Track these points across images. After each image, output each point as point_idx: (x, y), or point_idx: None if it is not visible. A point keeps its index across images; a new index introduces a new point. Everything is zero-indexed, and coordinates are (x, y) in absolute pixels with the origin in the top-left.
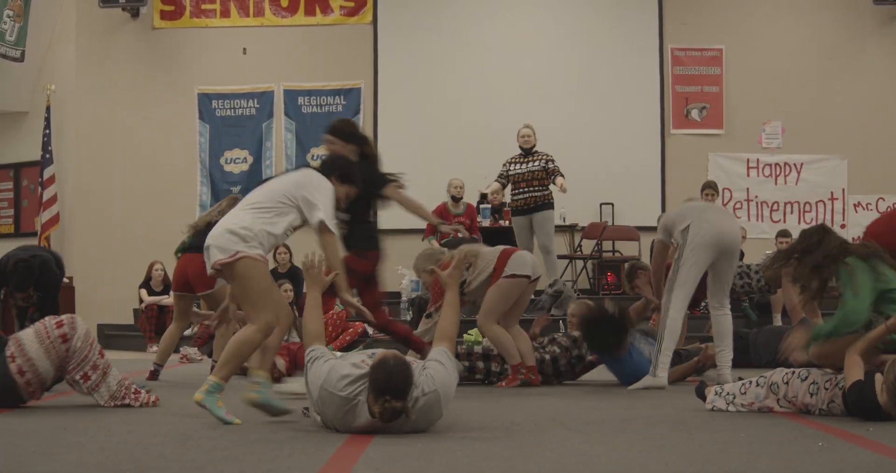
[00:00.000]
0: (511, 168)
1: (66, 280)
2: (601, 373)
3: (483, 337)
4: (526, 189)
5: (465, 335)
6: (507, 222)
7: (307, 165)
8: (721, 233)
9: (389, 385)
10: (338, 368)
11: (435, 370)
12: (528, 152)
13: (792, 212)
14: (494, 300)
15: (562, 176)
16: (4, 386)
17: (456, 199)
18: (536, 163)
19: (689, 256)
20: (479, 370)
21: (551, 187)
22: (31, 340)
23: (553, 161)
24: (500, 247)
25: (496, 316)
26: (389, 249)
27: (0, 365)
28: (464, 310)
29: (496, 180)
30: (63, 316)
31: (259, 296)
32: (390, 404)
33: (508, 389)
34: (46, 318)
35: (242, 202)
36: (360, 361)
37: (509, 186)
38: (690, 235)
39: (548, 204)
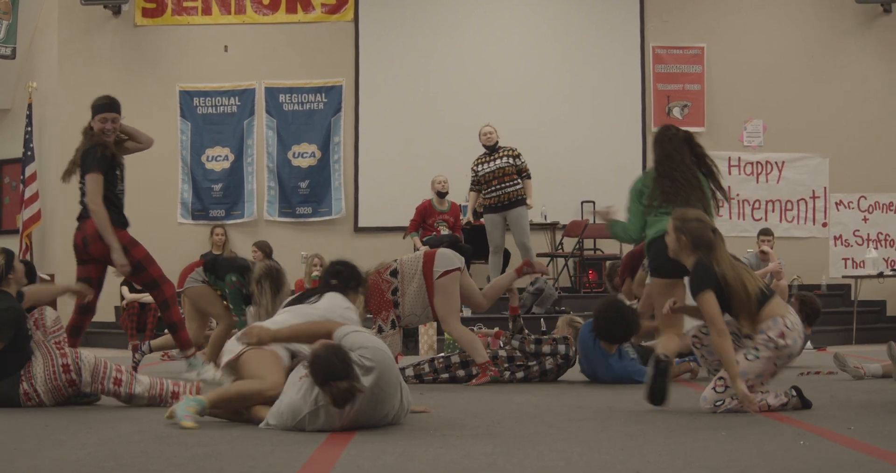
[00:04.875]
0: (480, 169)
1: (47, 277)
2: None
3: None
4: (498, 186)
5: (445, 335)
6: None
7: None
8: None
9: (329, 370)
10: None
11: (353, 340)
12: (492, 149)
13: (773, 211)
14: (445, 302)
15: (528, 177)
16: (9, 402)
17: (441, 195)
18: (504, 159)
19: None
20: (461, 378)
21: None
22: (41, 378)
23: (520, 157)
24: (419, 252)
25: (456, 316)
26: (370, 247)
27: (11, 388)
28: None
29: (472, 189)
30: (69, 359)
31: None
32: (337, 387)
33: (487, 386)
34: (55, 358)
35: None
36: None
37: (480, 186)
38: None
39: (521, 200)
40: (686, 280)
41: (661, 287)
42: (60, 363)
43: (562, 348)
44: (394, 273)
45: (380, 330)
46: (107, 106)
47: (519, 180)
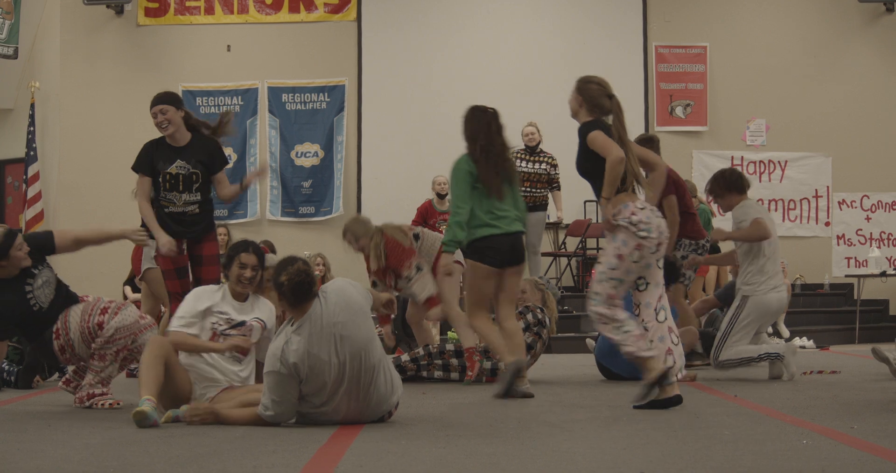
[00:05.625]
0: (519, 166)
1: None
2: (583, 367)
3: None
4: (530, 188)
5: (448, 333)
6: None
7: None
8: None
9: (285, 262)
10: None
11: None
12: (532, 150)
13: (776, 210)
14: (450, 285)
15: (559, 188)
16: (45, 355)
17: (441, 196)
18: (543, 165)
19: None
20: (454, 367)
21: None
22: (75, 320)
23: (557, 167)
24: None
25: (457, 298)
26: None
27: (46, 340)
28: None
29: None
30: (113, 303)
31: None
32: (292, 268)
33: (491, 386)
34: (100, 299)
35: None
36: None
37: None
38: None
39: (543, 205)
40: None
41: (482, 272)
42: (101, 306)
43: (530, 317)
44: (416, 236)
45: (408, 280)
46: (155, 99)
47: (547, 187)
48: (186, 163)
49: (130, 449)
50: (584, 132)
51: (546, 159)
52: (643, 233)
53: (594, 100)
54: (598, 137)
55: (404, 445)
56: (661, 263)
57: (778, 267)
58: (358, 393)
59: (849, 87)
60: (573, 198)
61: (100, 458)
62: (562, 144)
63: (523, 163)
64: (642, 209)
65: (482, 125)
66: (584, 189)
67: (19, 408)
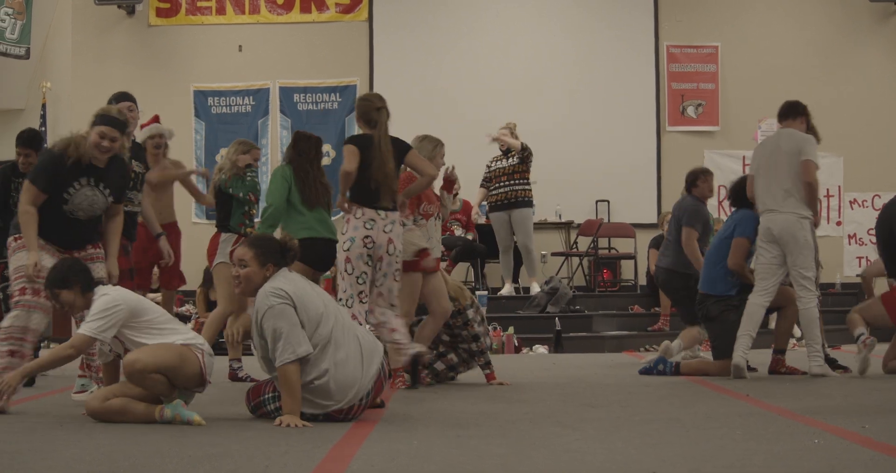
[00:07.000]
0: (493, 165)
1: None
2: (592, 367)
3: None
4: (507, 182)
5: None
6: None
7: None
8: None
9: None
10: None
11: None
12: (506, 152)
13: None
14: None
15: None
16: None
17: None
18: (516, 157)
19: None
20: (444, 342)
21: (530, 182)
22: None
23: (526, 150)
24: None
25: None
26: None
27: None
28: None
29: (482, 185)
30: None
31: None
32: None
33: (504, 387)
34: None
35: None
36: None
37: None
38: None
39: (527, 201)
40: None
41: (300, 270)
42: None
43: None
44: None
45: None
46: (124, 95)
47: (528, 181)
48: (141, 162)
49: (142, 449)
50: (346, 142)
51: (516, 154)
52: (346, 246)
53: (366, 115)
54: (345, 151)
55: (416, 445)
56: (398, 276)
57: (765, 201)
58: (353, 331)
59: (860, 87)
60: (584, 197)
61: (111, 458)
62: (569, 144)
63: (497, 163)
64: (358, 218)
65: (309, 149)
66: (595, 188)
67: (30, 408)
